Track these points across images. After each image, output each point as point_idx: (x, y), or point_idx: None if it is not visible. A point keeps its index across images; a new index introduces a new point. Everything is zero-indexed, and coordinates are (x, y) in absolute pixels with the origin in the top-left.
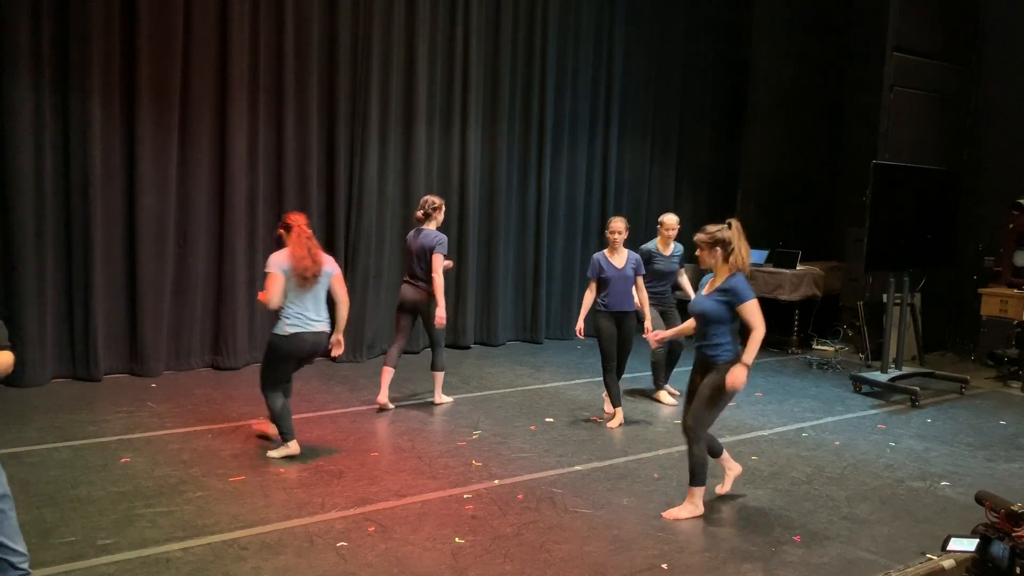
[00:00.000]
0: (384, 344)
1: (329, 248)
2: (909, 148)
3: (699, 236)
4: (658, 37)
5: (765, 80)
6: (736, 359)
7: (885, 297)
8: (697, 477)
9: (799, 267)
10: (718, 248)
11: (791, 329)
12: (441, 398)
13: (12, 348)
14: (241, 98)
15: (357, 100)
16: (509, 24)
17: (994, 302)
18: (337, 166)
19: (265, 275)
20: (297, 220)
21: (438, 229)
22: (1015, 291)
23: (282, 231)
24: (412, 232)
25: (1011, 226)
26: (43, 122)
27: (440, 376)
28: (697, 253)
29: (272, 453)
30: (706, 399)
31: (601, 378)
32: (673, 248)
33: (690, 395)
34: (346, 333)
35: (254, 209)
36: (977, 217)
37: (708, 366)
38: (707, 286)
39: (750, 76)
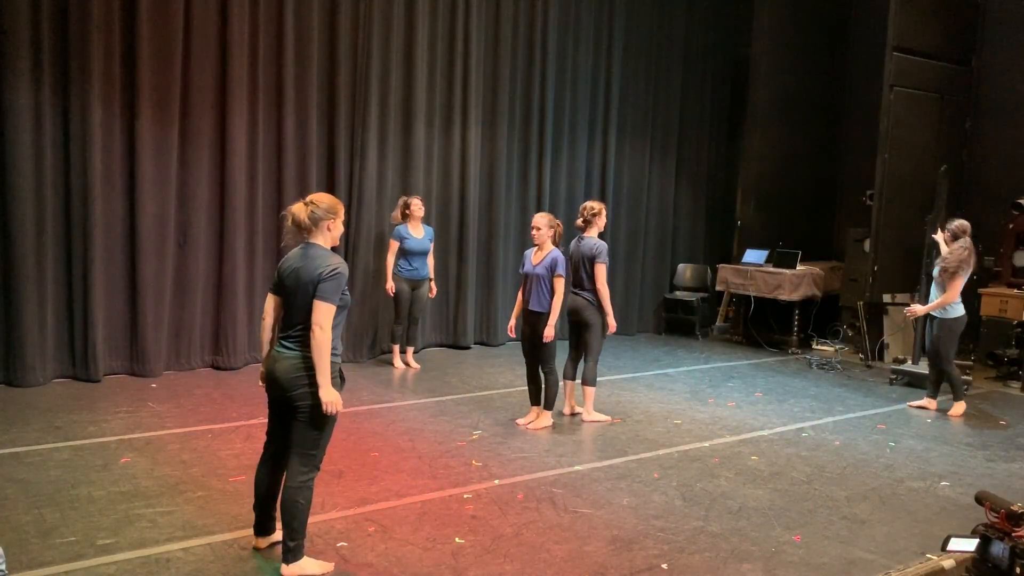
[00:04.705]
0: (384, 343)
1: None
2: (909, 148)
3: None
4: (658, 37)
5: (765, 80)
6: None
7: (886, 297)
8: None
9: (799, 267)
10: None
11: (791, 329)
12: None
13: None
14: (241, 98)
15: (357, 100)
16: (509, 24)
17: (994, 302)
18: (337, 166)
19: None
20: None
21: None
22: (1015, 291)
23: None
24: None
25: (1011, 226)
26: (43, 122)
27: None
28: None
29: None
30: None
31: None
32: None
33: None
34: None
35: (254, 209)
36: (977, 217)
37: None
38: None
39: (750, 76)
